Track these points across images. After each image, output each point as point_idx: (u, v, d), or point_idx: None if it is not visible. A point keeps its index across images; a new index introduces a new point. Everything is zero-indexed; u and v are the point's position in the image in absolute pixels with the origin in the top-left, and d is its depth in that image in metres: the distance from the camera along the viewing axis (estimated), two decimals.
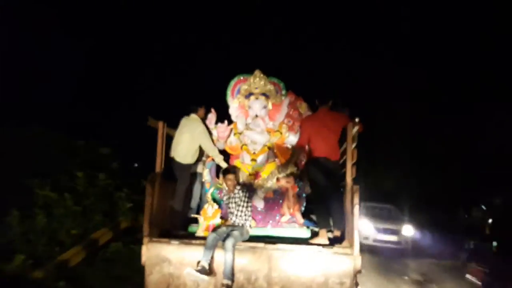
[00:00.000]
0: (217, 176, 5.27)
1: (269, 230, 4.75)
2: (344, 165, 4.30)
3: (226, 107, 5.66)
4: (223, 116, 5.57)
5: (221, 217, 4.68)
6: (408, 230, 11.54)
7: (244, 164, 5.27)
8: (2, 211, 6.38)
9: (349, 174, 4.15)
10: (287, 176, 4.86)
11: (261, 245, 4.05)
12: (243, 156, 5.35)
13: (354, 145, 4.21)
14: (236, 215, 4.37)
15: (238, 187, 4.47)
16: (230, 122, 5.56)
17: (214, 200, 4.95)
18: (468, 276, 8.00)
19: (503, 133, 13.90)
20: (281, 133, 5.33)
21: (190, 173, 5.14)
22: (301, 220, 4.82)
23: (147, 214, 4.28)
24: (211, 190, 5.09)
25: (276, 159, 5.28)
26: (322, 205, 4.45)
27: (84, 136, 8.82)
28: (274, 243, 4.07)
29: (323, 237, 4.28)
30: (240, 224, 4.34)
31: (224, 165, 5.07)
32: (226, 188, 4.61)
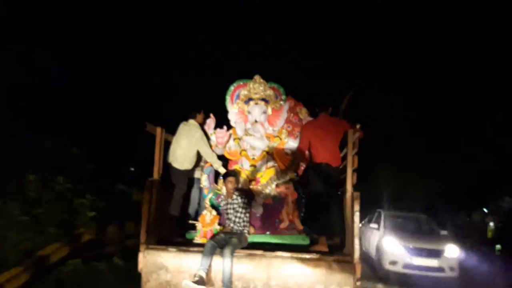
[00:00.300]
0: (216, 182, 5.22)
1: (268, 237, 4.69)
2: (344, 170, 4.25)
3: (225, 112, 5.62)
4: (222, 121, 5.53)
5: (219, 224, 4.62)
6: (452, 251, 7.70)
7: (243, 170, 5.22)
8: None
9: (350, 181, 4.10)
10: (287, 182, 4.81)
11: (259, 252, 3.99)
12: (242, 162, 5.30)
13: (355, 151, 4.17)
14: (235, 221, 4.31)
15: (237, 193, 4.42)
16: (229, 127, 5.52)
17: (213, 206, 4.89)
18: None
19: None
20: (280, 139, 5.29)
21: (188, 179, 5.09)
22: (300, 226, 4.76)
23: (144, 220, 4.22)
24: (210, 196, 5.03)
25: (275, 165, 5.24)
26: (321, 212, 4.40)
27: (58, 136, 7.76)
28: (273, 250, 4.01)
29: (323, 244, 4.22)
30: (239, 231, 4.28)
31: (222, 170, 5.02)
32: (224, 194, 4.55)
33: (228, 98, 5.62)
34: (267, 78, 5.51)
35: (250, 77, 5.52)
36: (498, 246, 12.56)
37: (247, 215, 4.37)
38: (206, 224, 4.60)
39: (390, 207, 10.53)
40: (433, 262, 7.51)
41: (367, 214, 10.47)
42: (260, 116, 5.35)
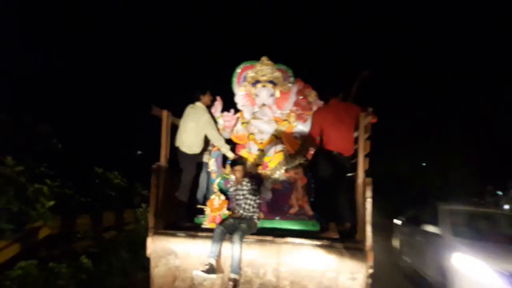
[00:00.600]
0: (224, 166, 5.13)
1: (277, 222, 4.64)
2: (356, 155, 4.16)
3: (232, 95, 5.48)
4: (229, 104, 5.40)
5: (228, 209, 4.57)
6: None
7: (251, 154, 5.13)
8: None
9: (361, 166, 4.01)
10: (296, 167, 4.72)
11: (269, 238, 3.93)
12: (250, 146, 5.20)
13: (366, 136, 4.05)
14: (244, 208, 4.25)
15: (247, 179, 4.33)
16: (237, 110, 5.39)
17: (221, 190, 4.83)
18: None
19: None
20: (289, 122, 5.17)
21: (196, 163, 5.01)
22: (310, 212, 4.70)
23: (153, 205, 4.17)
24: (218, 180, 4.96)
25: (284, 149, 5.14)
26: (329, 198, 4.33)
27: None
28: (282, 236, 3.95)
29: (333, 230, 4.16)
30: (248, 217, 4.22)
31: (230, 155, 4.92)
32: (234, 179, 4.48)
33: (234, 80, 5.47)
34: (274, 59, 5.35)
35: (257, 58, 5.35)
36: None
37: (257, 201, 4.30)
38: (214, 209, 4.54)
39: (448, 199, 7.31)
40: None
41: (403, 207, 8.78)
42: (267, 99, 5.22)
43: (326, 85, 4.79)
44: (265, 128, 5.15)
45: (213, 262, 3.75)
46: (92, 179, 8.64)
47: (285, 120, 5.20)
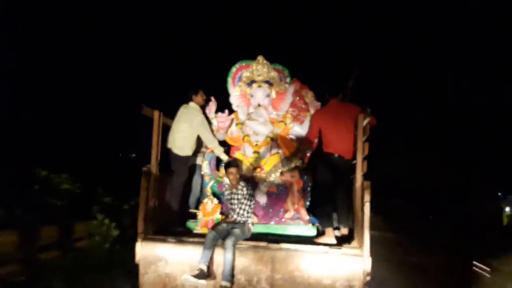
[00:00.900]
0: (217, 169, 4.98)
1: (272, 227, 4.48)
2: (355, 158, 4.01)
3: (226, 95, 5.33)
4: (224, 105, 5.25)
5: (221, 213, 4.41)
6: None
7: (246, 157, 4.97)
8: None
9: (360, 169, 3.86)
10: (292, 170, 4.56)
11: (263, 244, 3.78)
12: (244, 148, 5.05)
13: (365, 138, 3.90)
14: (238, 212, 4.09)
15: (242, 183, 4.17)
16: (231, 111, 5.24)
17: (214, 194, 4.67)
18: None
19: None
20: (285, 124, 5.02)
21: (189, 166, 4.85)
22: (306, 216, 4.54)
23: (142, 209, 4.01)
24: (211, 183, 4.80)
25: (279, 151, 4.99)
26: (327, 202, 4.18)
27: None
28: (277, 242, 3.80)
29: (330, 236, 4.00)
30: (242, 222, 4.06)
31: (224, 157, 4.77)
32: (228, 182, 4.32)
33: (229, 80, 5.32)
34: (271, 59, 5.20)
35: (253, 58, 5.21)
36: None
37: (252, 206, 4.15)
38: (207, 213, 4.38)
39: None
40: None
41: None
42: (263, 100, 5.07)
43: (325, 85, 4.65)
44: (260, 130, 5.00)
45: (204, 267, 3.59)
46: (31, 184, 7.03)
47: (281, 121, 5.05)
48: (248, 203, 4.09)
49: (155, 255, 3.85)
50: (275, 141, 4.99)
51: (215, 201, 4.46)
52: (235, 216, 4.12)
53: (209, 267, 3.68)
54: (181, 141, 4.61)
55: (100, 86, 13.09)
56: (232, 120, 5.15)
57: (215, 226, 4.05)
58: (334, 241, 3.95)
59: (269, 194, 4.72)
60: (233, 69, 5.33)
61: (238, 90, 5.27)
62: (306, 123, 4.87)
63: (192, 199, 4.93)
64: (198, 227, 4.36)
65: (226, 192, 4.33)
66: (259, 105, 5.06)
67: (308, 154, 4.96)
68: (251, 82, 5.13)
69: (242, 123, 5.10)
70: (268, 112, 5.08)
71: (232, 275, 3.63)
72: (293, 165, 4.66)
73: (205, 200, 4.49)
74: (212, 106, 5.20)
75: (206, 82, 5.32)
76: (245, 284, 3.67)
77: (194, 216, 4.55)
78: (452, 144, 15.54)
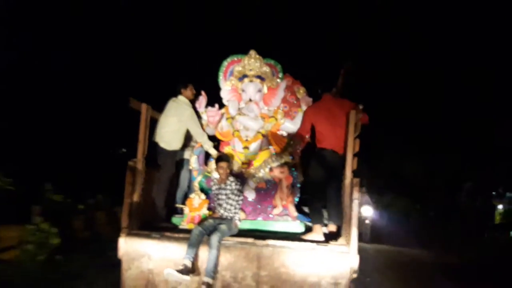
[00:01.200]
0: (206, 164, 4.89)
1: (260, 223, 4.40)
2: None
3: (217, 89, 5.25)
4: (214, 99, 5.16)
5: (209, 209, 4.32)
6: None
7: (236, 152, 4.89)
8: None
9: (349, 166, 3.78)
10: (281, 165, 4.48)
11: (250, 240, 3.69)
12: (234, 143, 4.97)
13: (356, 134, 3.83)
14: (225, 208, 4.00)
15: (231, 179, 4.08)
16: (222, 106, 5.15)
17: (202, 189, 4.58)
18: None
19: None
20: (276, 119, 4.95)
21: (177, 160, 4.76)
22: (294, 213, 4.45)
23: (127, 204, 3.92)
24: (199, 178, 4.71)
25: (270, 147, 4.91)
26: (317, 198, 4.10)
27: None
28: (264, 238, 3.71)
29: (318, 232, 3.92)
30: (229, 217, 3.98)
31: (213, 152, 4.69)
32: (216, 177, 4.23)
33: (221, 74, 5.25)
34: (263, 53, 5.12)
35: (245, 52, 5.12)
36: None
37: (240, 202, 4.06)
38: (193, 209, 4.29)
39: None
40: None
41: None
42: (255, 95, 4.99)
43: (319, 80, 4.55)
44: (251, 125, 4.92)
45: (188, 263, 3.51)
46: None
47: (272, 117, 4.98)
48: (236, 198, 4.01)
49: (139, 251, 3.77)
50: (265, 136, 4.91)
51: (203, 196, 4.37)
52: (222, 212, 4.03)
53: (194, 263, 3.59)
54: (169, 135, 4.52)
55: (87, 79, 12.82)
56: (222, 114, 5.08)
57: (201, 222, 3.97)
58: (322, 238, 3.87)
59: (257, 190, 4.63)
60: (225, 63, 5.25)
61: (229, 85, 5.19)
62: (297, 119, 4.79)
63: (180, 194, 4.85)
64: (184, 222, 4.27)
65: (214, 187, 4.24)
66: (250, 100, 4.98)
67: (299, 150, 4.89)
68: (242, 77, 5.05)
69: (233, 118, 5.02)
70: (259, 107, 5.00)
71: (216, 272, 3.55)
72: (283, 161, 4.57)
73: (192, 195, 4.40)
74: (202, 100, 5.12)
75: (196, 76, 5.22)
76: (230, 281, 3.59)
77: (180, 212, 4.46)
78: (450, 142, 15.52)
